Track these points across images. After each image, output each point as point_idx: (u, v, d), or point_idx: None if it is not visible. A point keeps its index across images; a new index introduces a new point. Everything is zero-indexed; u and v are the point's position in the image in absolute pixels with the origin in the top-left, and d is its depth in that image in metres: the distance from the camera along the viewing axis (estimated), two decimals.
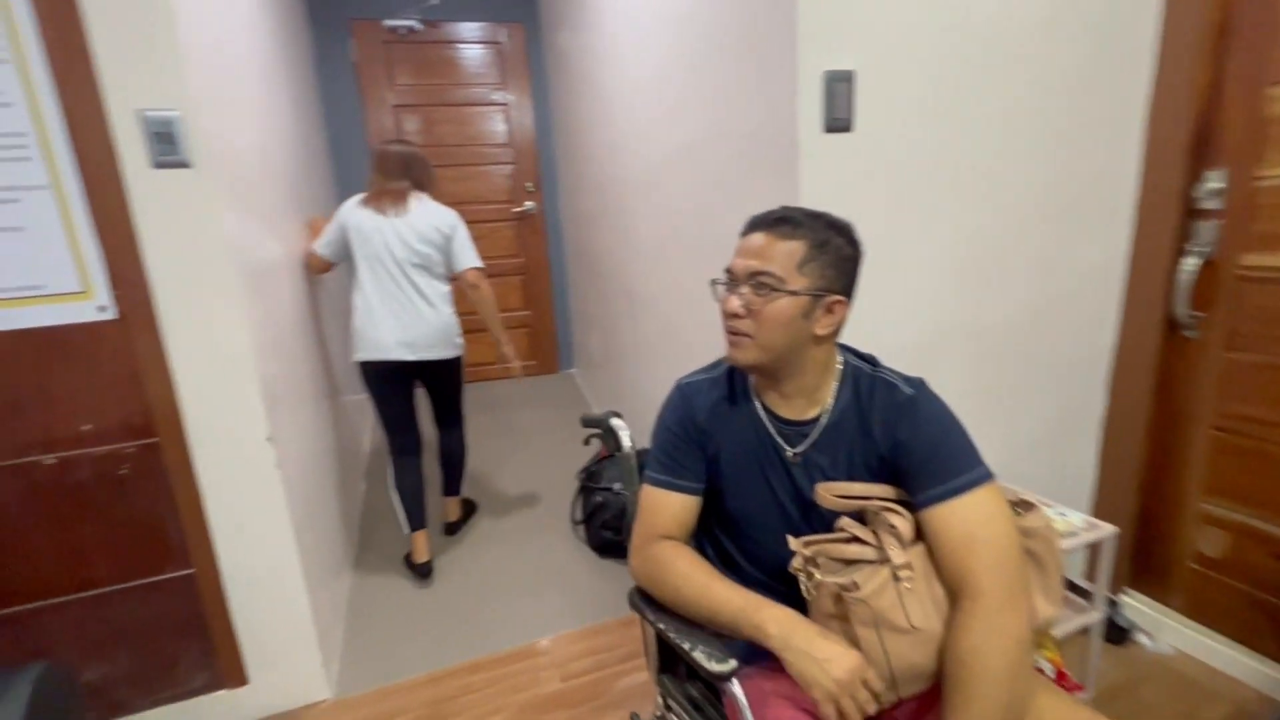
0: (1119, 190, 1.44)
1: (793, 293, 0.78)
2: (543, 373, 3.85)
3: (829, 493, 0.81)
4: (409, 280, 1.89)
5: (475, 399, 2.29)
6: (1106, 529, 1.26)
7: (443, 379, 2.07)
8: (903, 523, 0.77)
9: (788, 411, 0.87)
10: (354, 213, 1.88)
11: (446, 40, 3.32)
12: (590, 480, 2.19)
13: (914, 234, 1.28)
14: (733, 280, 0.83)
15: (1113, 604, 1.53)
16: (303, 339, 1.85)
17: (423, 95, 3.35)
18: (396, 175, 1.90)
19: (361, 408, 2.95)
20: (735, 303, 0.81)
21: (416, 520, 2.01)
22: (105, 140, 1.15)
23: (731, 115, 1.36)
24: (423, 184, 1.95)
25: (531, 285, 3.73)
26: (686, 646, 0.77)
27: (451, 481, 2.25)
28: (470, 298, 2.00)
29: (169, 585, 1.36)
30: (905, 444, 0.80)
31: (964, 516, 0.76)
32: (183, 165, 1.20)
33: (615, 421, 1.03)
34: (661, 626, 0.83)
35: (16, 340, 1.19)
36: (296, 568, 1.44)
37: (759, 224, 0.83)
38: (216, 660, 1.41)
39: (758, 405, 0.89)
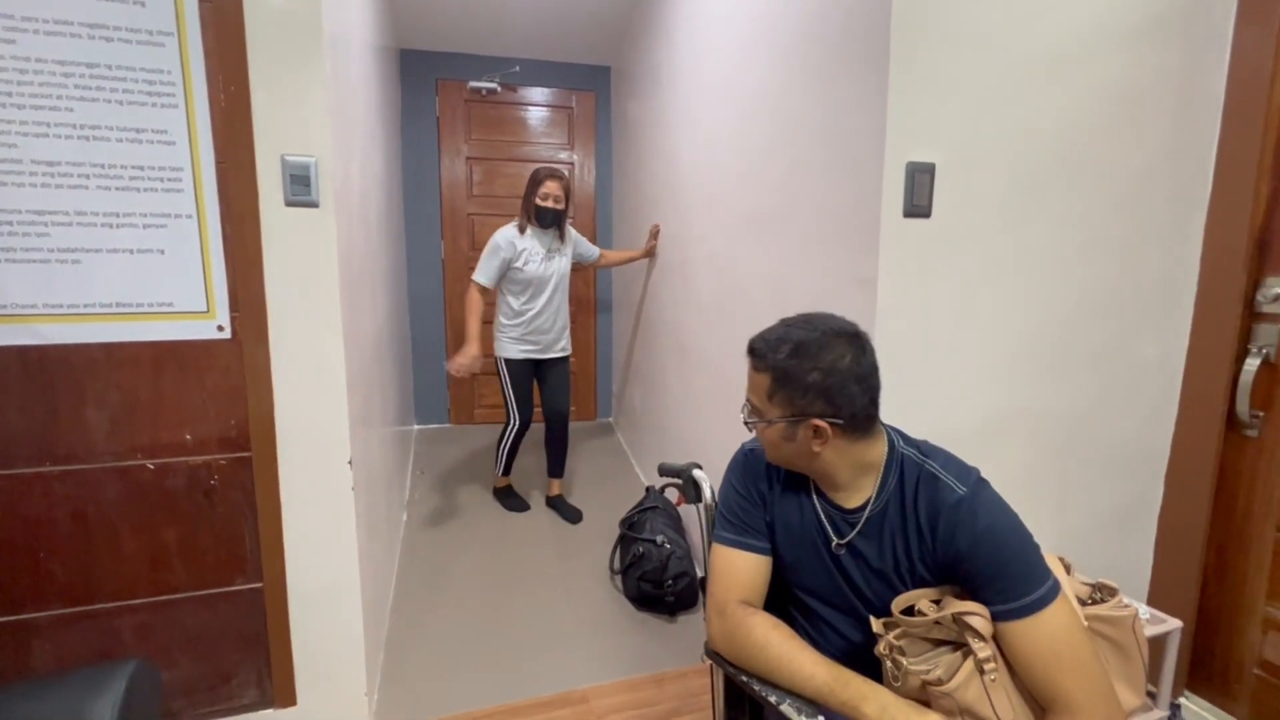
0: (1179, 290, 1.50)
1: (769, 421, 0.86)
2: (581, 419, 3.91)
3: (901, 606, 0.82)
4: None
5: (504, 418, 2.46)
6: (1172, 623, 1.25)
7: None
8: (983, 623, 0.77)
9: (839, 498, 0.89)
10: None
11: (521, 103, 3.56)
12: (631, 530, 2.21)
13: (981, 320, 1.34)
14: None
15: (1174, 706, 1.49)
16: (377, 368, 1.94)
17: (494, 150, 3.57)
18: None
19: (407, 439, 3.02)
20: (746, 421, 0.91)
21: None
22: (250, 179, 1.28)
23: (812, 191, 1.46)
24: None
25: (577, 333, 3.84)
26: (774, 700, 0.79)
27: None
28: None
29: (238, 597, 1.40)
30: (967, 556, 0.79)
31: (1043, 633, 0.76)
32: (312, 205, 1.32)
33: (697, 473, 1.07)
34: (745, 679, 0.85)
35: (142, 350, 1.29)
36: (356, 592, 1.48)
37: (748, 350, 0.91)
38: (271, 678, 1.44)
39: (813, 490, 0.92)
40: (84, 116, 1.19)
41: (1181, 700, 1.54)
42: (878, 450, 0.88)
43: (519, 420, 2.60)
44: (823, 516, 0.90)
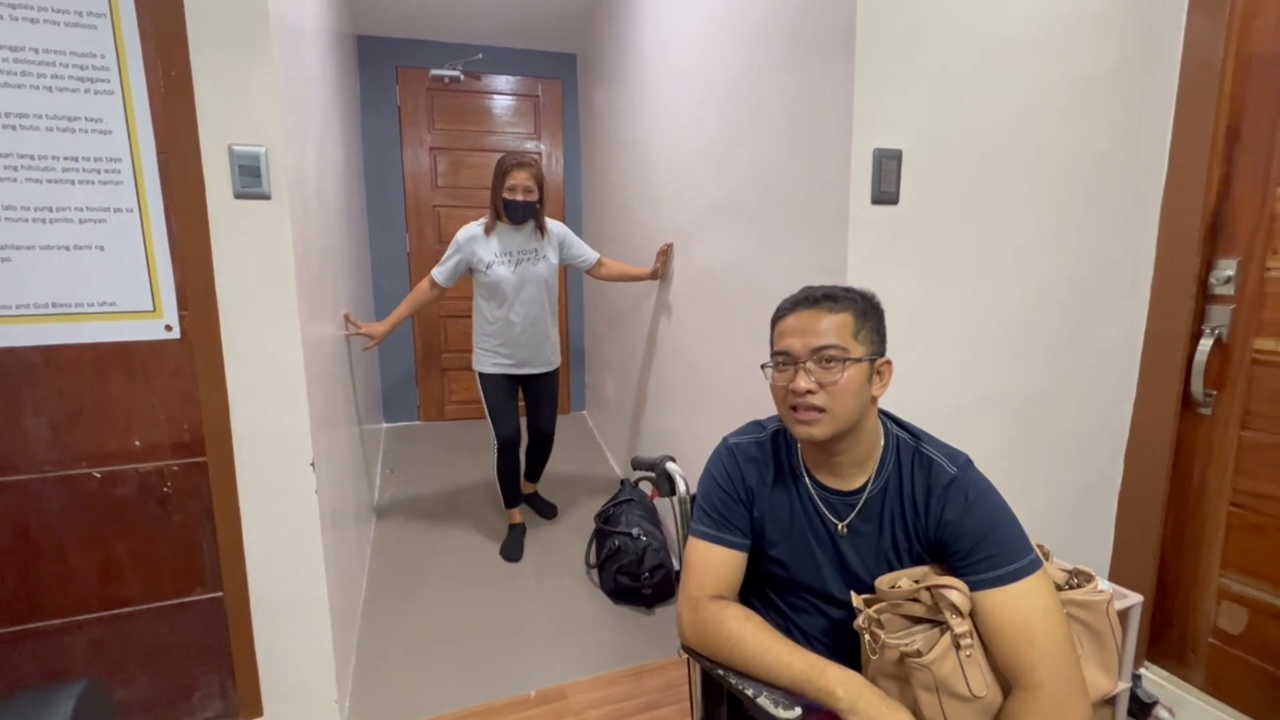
0: (1136, 273, 1.53)
1: (857, 360, 0.83)
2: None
3: (885, 585, 0.83)
4: None
5: (487, 435, 2.35)
6: (1134, 597, 1.29)
7: None
8: (960, 597, 0.78)
9: (836, 483, 0.90)
10: None
11: (486, 91, 3.49)
12: (607, 523, 2.19)
13: (948, 305, 1.35)
14: (791, 360, 0.85)
15: (1135, 677, 1.54)
16: (341, 366, 1.88)
17: (458, 140, 3.49)
18: None
19: (375, 438, 2.95)
20: (805, 380, 0.83)
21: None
22: (196, 170, 1.22)
23: (780, 178, 1.45)
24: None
25: None
26: (750, 693, 0.79)
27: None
28: None
29: (197, 607, 1.35)
30: (954, 524, 0.82)
31: (1019, 604, 0.77)
32: (264, 197, 1.26)
33: (671, 465, 1.06)
34: (721, 672, 0.84)
35: (83, 353, 1.22)
36: (323, 597, 1.43)
37: (802, 303, 0.87)
38: (235, 688, 1.39)
39: (806, 477, 0.92)
40: (8, 104, 1.11)
41: (1142, 671, 1.60)
42: (877, 422, 0.90)
43: (495, 438, 2.30)
44: (819, 501, 0.90)
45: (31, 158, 1.13)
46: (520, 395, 2.38)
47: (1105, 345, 1.53)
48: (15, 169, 1.13)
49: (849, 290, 0.88)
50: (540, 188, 2.16)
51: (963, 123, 1.28)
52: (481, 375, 2.31)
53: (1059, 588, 0.88)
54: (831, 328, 0.84)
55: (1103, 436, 1.59)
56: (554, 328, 2.37)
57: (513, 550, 2.36)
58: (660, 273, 2.27)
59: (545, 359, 2.34)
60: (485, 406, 2.32)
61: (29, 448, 1.20)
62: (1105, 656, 0.84)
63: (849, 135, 1.19)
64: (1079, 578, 0.87)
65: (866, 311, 0.87)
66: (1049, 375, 1.49)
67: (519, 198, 2.11)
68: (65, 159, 1.15)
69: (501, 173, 2.13)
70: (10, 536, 1.21)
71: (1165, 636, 1.59)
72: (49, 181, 1.15)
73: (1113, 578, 1.64)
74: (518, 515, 2.46)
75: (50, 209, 1.16)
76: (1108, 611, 0.85)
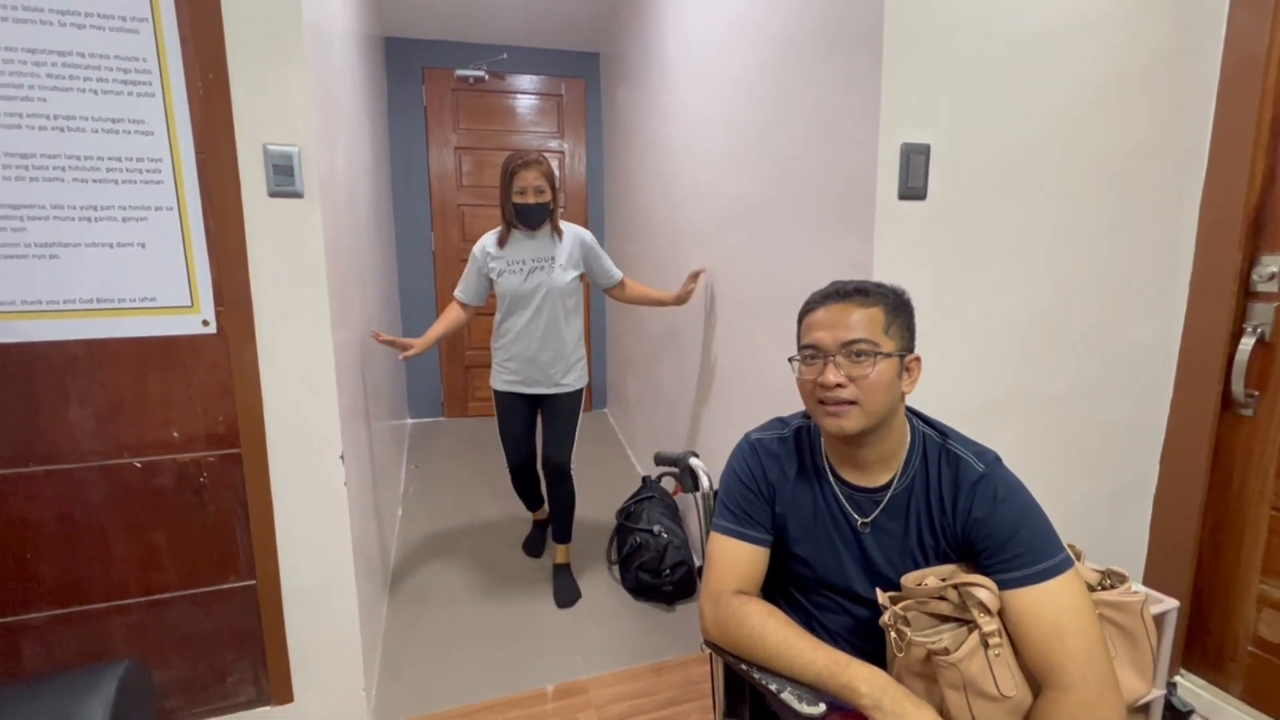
0: (1173, 270, 1.49)
1: (887, 355, 0.83)
2: None
3: (912, 583, 0.82)
4: None
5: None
6: (1169, 602, 1.25)
7: None
8: (989, 596, 0.77)
9: (860, 479, 0.90)
10: None
11: (510, 90, 3.52)
12: (628, 520, 2.20)
13: (977, 301, 1.33)
14: (820, 354, 0.85)
15: (1170, 685, 1.50)
16: (368, 362, 1.92)
17: (482, 139, 3.53)
18: None
19: (400, 433, 3.00)
20: (835, 374, 0.82)
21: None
22: (232, 170, 1.25)
23: (805, 175, 1.44)
24: None
25: None
26: (774, 688, 0.79)
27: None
28: None
29: (231, 595, 1.39)
30: (982, 522, 0.81)
31: (1050, 604, 0.76)
32: (296, 195, 1.29)
33: (694, 461, 1.06)
34: (745, 667, 0.84)
35: (125, 347, 1.26)
36: (351, 588, 1.46)
37: (832, 296, 0.87)
38: (267, 675, 1.43)
39: (829, 474, 0.92)
40: (58, 107, 1.15)
41: (1177, 679, 1.56)
42: (904, 419, 0.89)
43: (507, 464, 2.15)
44: (842, 498, 0.90)
45: (78, 158, 1.18)
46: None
47: (1139, 343, 1.49)
48: (63, 169, 1.17)
49: (880, 285, 0.88)
50: (553, 186, 1.93)
51: (992, 116, 1.26)
52: (494, 392, 2.11)
53: (1092, 589, 0.87)
54: (862, 322, 0.83)
55: (1136, 437, 1.55)
56: (572, 345, 2.06)
57: (534, 546, 2.34)
58: (685, 298, 2.07)
59: (560, 379, 2.05)
60: (497, 426, 2.13)
61: (74, 438, 1.25)
62: (1139, 659, 0.82)
63: (876, 130, 1.18)
64: (1112, 579, 0.85)
65: (898, 307, 0.86)
66: (1080, 373, 1.45)
67: (530, 200, 1.88)
68: (109, 159, 1.19)
69: (508, 174, 1.89)
70: (57, 523, 1.26)
71: (1202, 644, 1.54)
72: (94, 181, 1.19)
73: (1147, 582, 1.60)
74: (540, 514, 2.41)
75: (95, 208, 1.20)
76: (1142, 613, 0.83)
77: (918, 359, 0.88)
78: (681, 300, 2.08)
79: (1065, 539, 0.93)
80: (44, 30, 1.13)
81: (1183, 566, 1.54)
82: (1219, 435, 1.48)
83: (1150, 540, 1.60)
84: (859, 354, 0.82)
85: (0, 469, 1.21)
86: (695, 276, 2.04)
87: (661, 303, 2.14)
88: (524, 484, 2.24)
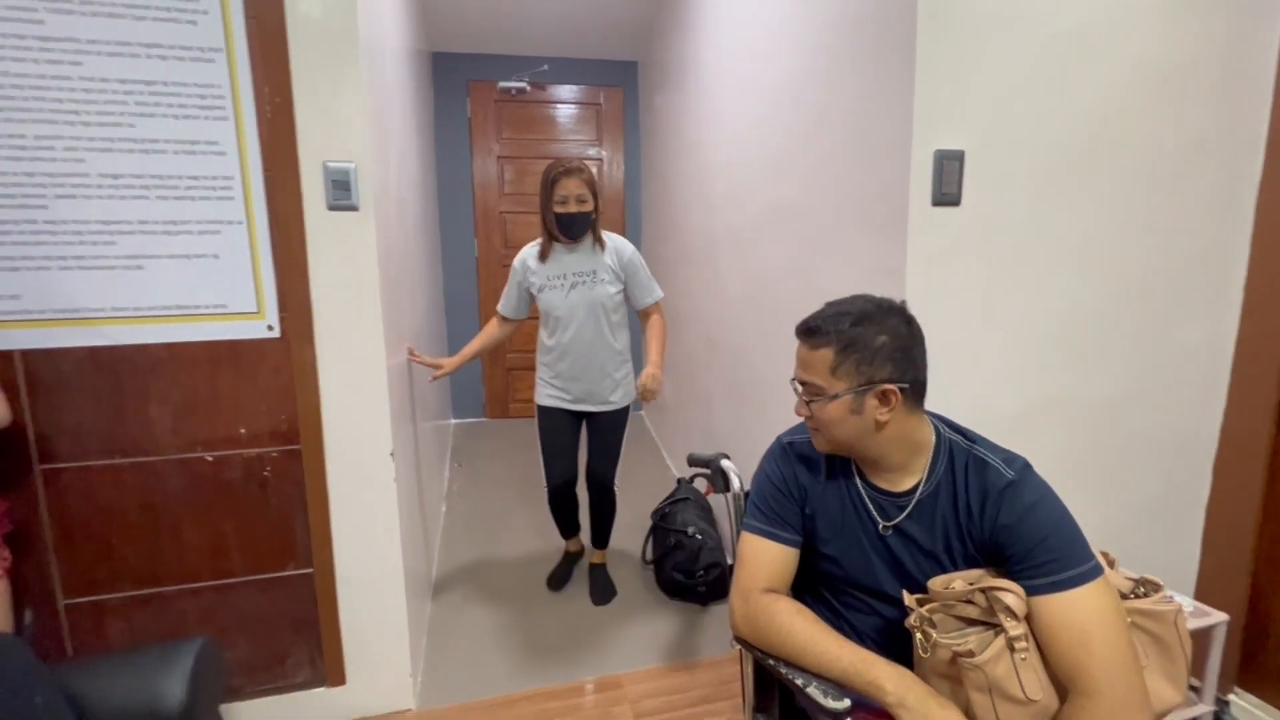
0: (1226, 272, 1.44)
1: (833, 396, 0.85)
2: None
3: (939, 586, 0.83)
4: None
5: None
6: (1217, 616, 1.22)
7: None
8: (1016, 600, 0.77)
9: (884, 483, 0.91)
10: None
11: (551, 100, 3.61)
12: (663, 521, 2.24)
13: (1015, 306, 1.32)
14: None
15: (1221, 703, 1.44)
16: (411, 364, 2.01)
17: (524, 148, 3.63)
18: None
19: (445, 433, 3.11)
20: (801, 407, 0.92)
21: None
22: (294, 185, 1.35)
23: (839, 181, 1.46)
24: None
25: None
26: (800, 683, 0.81)
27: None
28: None
29: (290, 582, 1.48)
30: (1010, 528, 0.81)
31: (1077, 611, 0.76)
32: (352, 209, 1.38)
33: (725, 463, 1.09)
34: (772, 662, 0.87)
35: (199, 349, 1.37)
36: (400, 578, 1.54)
37: (798, 333, 0.92)
38: (322, 658, 1.52)
39: (857, 477, 0.94)
40: (144, 131, 1.27)
41: (1231, 697, 1.50)
42: (927, 429, 0.90)
43: (547, 484, 2.07)
44: (868, 501, 0.92)
45: (161, 178, 1.29)
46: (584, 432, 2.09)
47: (1188, 347, 1.45)
48: (149, 188, 1.29)
49: (839, 319, 0.86)
50: (594, 194, 1.86)
51: (1029, 118, 1.25)
52: (539, 408, 2.05)
53: (1125, 596, 0.86)
54: (810, 363, 0.88)
55: (1185, 444, 1.50)
56: (618, 361, 2.00)
57: (559, 579, 2.21)
58: (645, 396, 1.87)
59: (606, 396, 1.99)
60: (538, 442, 2.05)
61: (155, 433, 1.36)
62: (1172, 668, 0.81)
63: (909, 137, 1.19)
64: (1146, 586, 0.84)
65: (851, 344, 0.84)
66: (1123, 379, 1.42)
67: (572, 209, 1.82)
68: (188, 178, 1.30)
69: (549, 183, 1.83)
70: (139, 511, 1.38)
71: (1259, 661, 1.48)
72: (175, 199, 1.30)
73: (1199, 595, 1.55)
74: (573, 545, 2.30)
75: (174, 223, 1.31)
76: (1176, 622, 0.82)
77: (892, 390, 0.83)
78: (644, 396, 1.88)
79: (1109, 548, 0.92)
80: (133, 62, 1.25)
81: (1237, 580, 1.49)
82: (1277, 444, 1.43)
83: (1203, 553, 1.55)
84: (808, 397, 0.89)
85: (92, 460, 1.33)
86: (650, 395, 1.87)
87: (645, 356, 1.97)
88: (563, 506, 2.15)
